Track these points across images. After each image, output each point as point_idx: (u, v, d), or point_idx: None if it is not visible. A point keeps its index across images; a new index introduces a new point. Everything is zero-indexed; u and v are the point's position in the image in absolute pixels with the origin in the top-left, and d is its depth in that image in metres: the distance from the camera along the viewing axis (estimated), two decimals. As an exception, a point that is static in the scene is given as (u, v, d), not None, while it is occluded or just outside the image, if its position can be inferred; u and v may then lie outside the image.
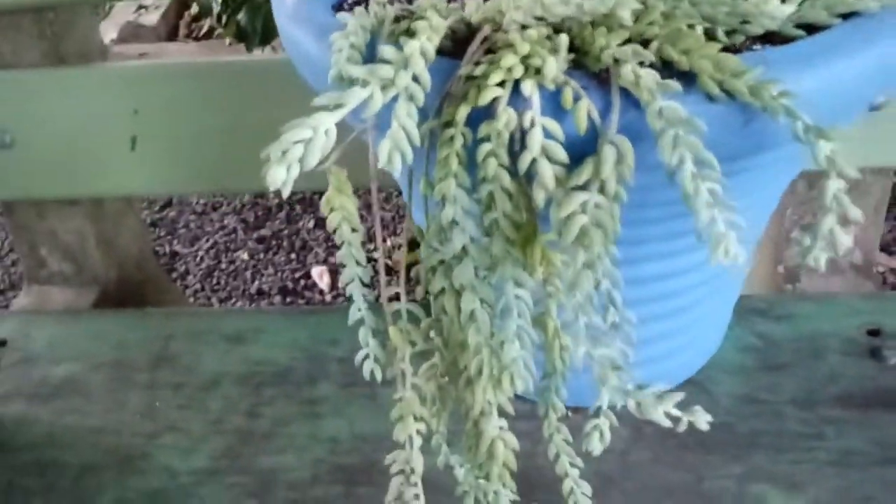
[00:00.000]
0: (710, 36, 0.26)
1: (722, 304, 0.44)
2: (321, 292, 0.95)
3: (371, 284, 0.33)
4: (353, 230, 0.30)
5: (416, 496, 0.36)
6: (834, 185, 0.24)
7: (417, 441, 0.35)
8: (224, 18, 1.39)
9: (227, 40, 1.30)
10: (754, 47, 0.26)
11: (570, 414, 0.45)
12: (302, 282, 0.98)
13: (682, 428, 0.25)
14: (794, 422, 0.43)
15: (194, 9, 1.57)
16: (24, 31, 0.54)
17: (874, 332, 0.47)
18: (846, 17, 0.27)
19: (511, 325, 0.29)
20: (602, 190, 0.24)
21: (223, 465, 0.45)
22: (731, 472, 0.41)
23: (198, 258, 1.04)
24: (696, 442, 0.43)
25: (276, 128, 0.23)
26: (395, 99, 0.24)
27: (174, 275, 1.03)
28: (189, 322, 0.55)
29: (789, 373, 0.46)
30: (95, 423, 0.49)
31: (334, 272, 0.97)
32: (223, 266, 1.02)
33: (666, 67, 0.24)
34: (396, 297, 0.32)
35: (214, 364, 0.51)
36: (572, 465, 0.39)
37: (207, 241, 1.06)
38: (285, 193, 0.23)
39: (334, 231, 0.30)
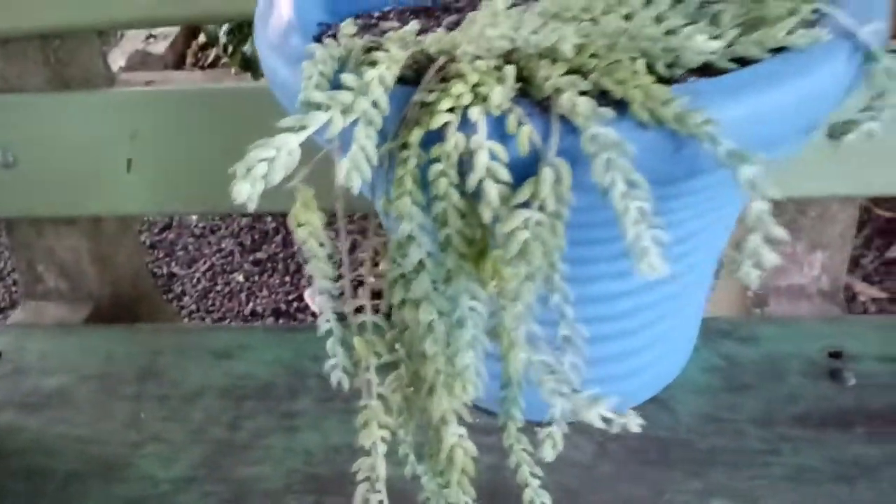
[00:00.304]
0: (651, 69, 0.28)
1: (682, 324, 0.45)
2: (313, 314, 0.97)
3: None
4: (321, 244, 0.32)
5: (381, 502, 0.38)
6: (757, 207, 0.26)
7: (382, 448, 0.37)
8: (230, 48, 1.44)
9: (233, 69, 1.34)
10: (690, 80, 0.28)
11: (536, 428, 0.46)
12: (295, 304, 1.00)
13: (614, 430, 0.27)
14: (753, 439, 0.45)
15: (202, 38, 1.62)
16: (30, 58, 0.57)
17: (835, 355, 0.49)
18: (777, 51, 0.29)
19: (465, 334, 0.31)
20: (542, 208, 0.26)
21: (201, 473, 0.47)
22: (690, 487, 0.43)
23: (194, 279, 1.06)
24: (658, 458, 0.44)
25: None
26: (355, 123, 0.27)
27: (171, 295, 1.05)
28: (177, 338, 0.57)
29: (751, 393, 0.47)
30: (83, 432, 0.50)
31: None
32: (219, 287, 1.04)
33: (604, 97, 0.26)
34: (362, 310, 0.34)
35: (199, 378, 0.53)
36: (532, 475, 0.40)
37: (205, 262, 1.08)
38: (250, 207, 0.26)
39: (301, 245, 0.32)
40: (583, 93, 0.26)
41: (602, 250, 0.35)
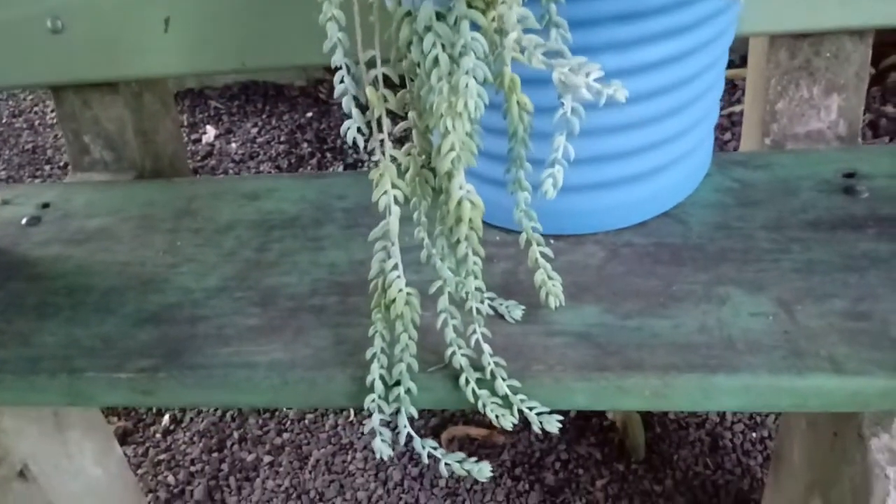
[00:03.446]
0: None
1: (687, 139, 0.46)
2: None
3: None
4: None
5: (395, 266, 0.40)
6: None
7: (395, 210, 0.38)
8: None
9: None
10: None
11: (552, 241, 0.48)
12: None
13: (602, 101, 0.28)
14: (763, 241, 0.45)
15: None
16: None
17: (850, 175, 0.49)
18: None
19: (467, 62, 0.33)
20: None
21: (232, 284, 0.49)
22: (699, 279, 0.44)
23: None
24: (668, 259, 0.45)
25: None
26: None
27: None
28: (211, 185, 0.60)
29: (762, 206, 0.48)
30: (123, 258, 0.53)
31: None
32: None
33: None
34: (374, 64, 0.36)
35: (231, 214, 0.56)
36: (544, 255, 0.42)
37: (244, 185, 1.12)
38: None
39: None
40: None
41: (601, 6, 0.36)
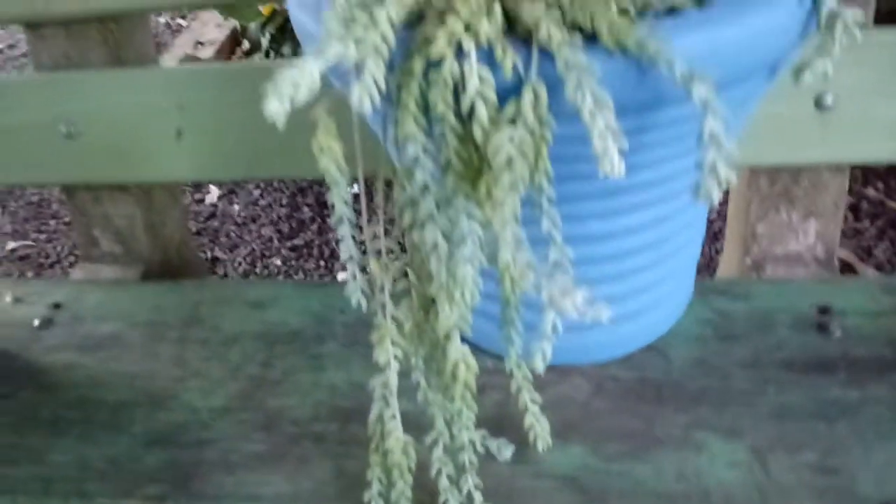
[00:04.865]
0: (625, 12, 0.32)
1: (672, 274, 0.49)
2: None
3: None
4: (341, 171, 0.36)
5: (393, 416, 0.42)
6: (710, 124, 0.30)
7: (395, 365, 0.41)
8: (272, 54, 1.51)
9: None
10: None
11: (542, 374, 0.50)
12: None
13: (587, 320, 0.31)
14: (739, 381, 0.48)
15: (246, 45, 1.70)
16: (91, 38, 0.63)
17: (824, 310, 0.52)
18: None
19: (464, 251, 0.35)
20: (525, 125, 0.30)
21: (237, 404, 0.52)
22: (679, 421, 0.46)
23: (236, 263, 1.12)
24: (651, 396, 0.48)
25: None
26: (366, 55, 0.31)
27: (214, 278, 1.11)
28: (217, 290, 0.63)
29: (740, 341, 0.51)
30: (132, 369, 0.56)
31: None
32: (258, 271, 1.10)
33: (580, 31, 0.31)
34: (377, 237, 0.39)
35: (236, 324, 0.58)
36: (532, 400, 0.45)
37: (245, 248, 1.14)
38: (280, 124, 0.30)
39: (324, 174, 0.36)
40: (559, 24, 0.30)
41: (588, 187, 0.39)
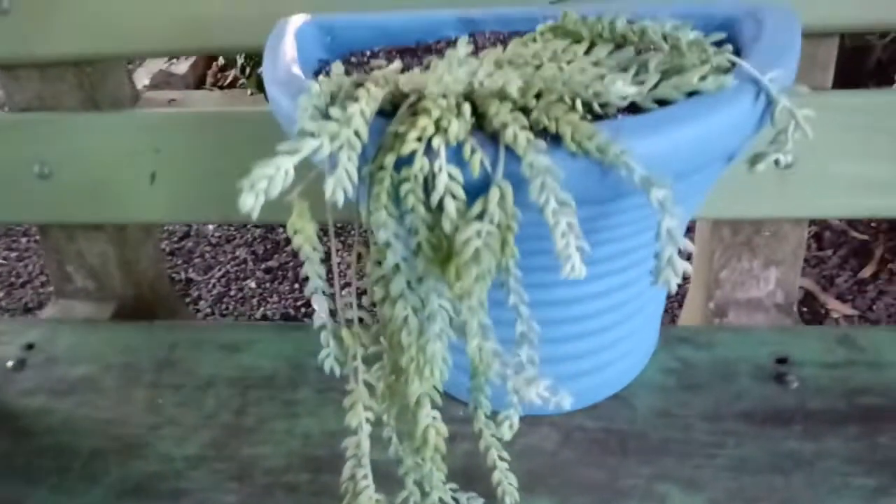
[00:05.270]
0: (589, 108, 0.34)
1: (637, 330, 0.51)
2: (320, 320, 1.03)
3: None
4: (314, 249, 0.37)
5: (365, 476, 0.44)
6: (667, 223, 0.31)
7: (367, 428, 0.42)
8: (247, 70, 1.51)
9: (249, 91, 1.42)
10: (619, 117, 0.34)
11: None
12: (303, 309, 1.06)
13: (550, 407, 0.32)
14: (700, 433, 0.50)
15: (221, 60, 1.69)
16: (66, 81, 0.63)
17: (782, 360, 0.54)
18: (693, 94, 0.34)
19: (434, 327, 0.37)
20: (492, 222, 0.32)
21: (211, 453, 0.52)
22: (642, 472, 0.48)
23: (210, 285, 1.13)
24: (616, 447, 0.50)
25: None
26: (341, 148, 0.32)
27: (188, 299, 1.11)
28: (191, 333, 0.63)
29: (702, 392, 0.52)
30: (105, 415, 0.56)
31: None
32: (232, 293, 1.11)
33: (546, 132, 0.32)
34: (350, 307, 0.40)
35: (211, 369, 0.59)
36: (501, 458, 0.46)
37: (220, 269, 1.14)
38: (254, 217, 0.31)
39: (298, 250, 0.37)
40: (525, 127, 0.31)
41: (554, 260, 0.40)
